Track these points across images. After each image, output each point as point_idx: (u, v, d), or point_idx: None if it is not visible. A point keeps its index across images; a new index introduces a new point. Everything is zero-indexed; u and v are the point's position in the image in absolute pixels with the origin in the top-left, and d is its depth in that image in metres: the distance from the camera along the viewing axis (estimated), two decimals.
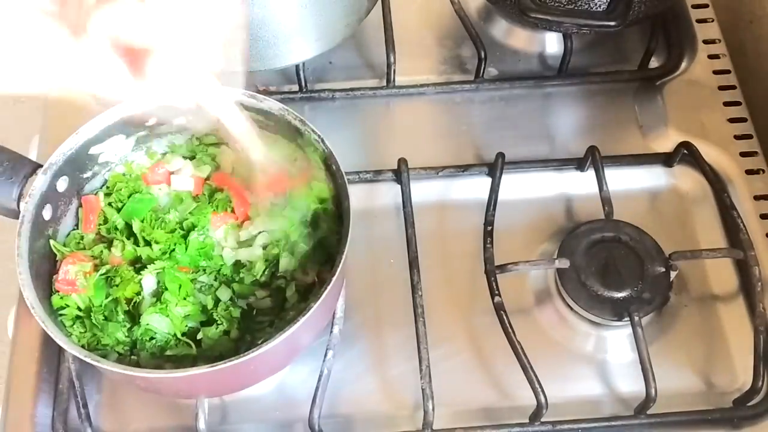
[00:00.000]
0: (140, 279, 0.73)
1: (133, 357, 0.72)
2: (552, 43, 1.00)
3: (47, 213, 0.74)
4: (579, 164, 0.90)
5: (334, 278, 0.68)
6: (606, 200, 0.84)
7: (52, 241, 0.75)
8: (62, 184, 0.75)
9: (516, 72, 0.98)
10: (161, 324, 0.71)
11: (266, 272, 0.74)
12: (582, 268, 0.80)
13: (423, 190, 0.88)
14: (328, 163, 0.74)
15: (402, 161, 0.89)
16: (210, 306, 0.73)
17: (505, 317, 0.78)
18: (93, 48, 0.54)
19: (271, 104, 0.76)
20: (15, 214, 0.73)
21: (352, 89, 0.96)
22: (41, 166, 0.74)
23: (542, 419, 0.76)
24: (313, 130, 0.75)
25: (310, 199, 0.76)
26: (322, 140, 0.74)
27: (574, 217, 0.89)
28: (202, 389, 0.73)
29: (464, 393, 0.79)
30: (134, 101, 0.76)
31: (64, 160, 0.74)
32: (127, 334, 0.72)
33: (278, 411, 0.79)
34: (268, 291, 0.75)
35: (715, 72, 0.97)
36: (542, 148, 0.93)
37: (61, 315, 0.73)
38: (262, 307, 0.74)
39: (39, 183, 0.73)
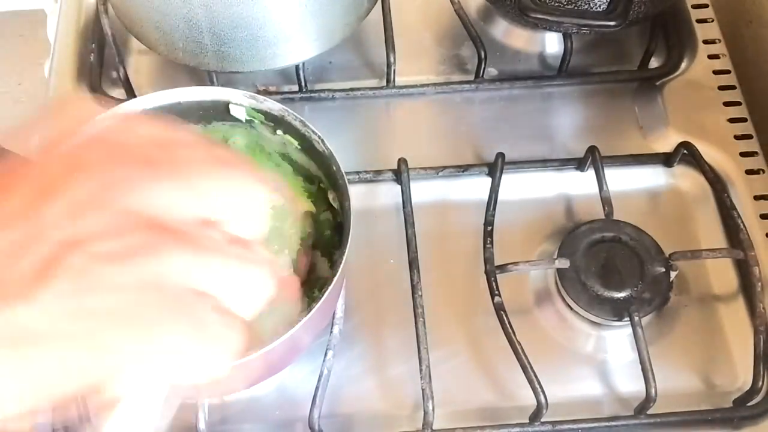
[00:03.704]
0: None
1: None
2: (552, 43, 1.00)
3: None
4: (579, 164, 0.90)
5: (335, 279, 0.67)
6: (606, 200, 0.84)
7: None
8: None
9: (516, 72, 0.98)
10: None
11: None
12: (582, 268, 0.80)
13: (423, 190, 0.88)
14: (328, 164, 0.74)
15: (402, 161, 0.89)
16: None
17: (505, 317, 0.78)
18: None
19: (271, 105, 0.76)
20: None
21: (352, 89, 0.96)
22: None
23: (542, 419, 0.76)
24: (313, 131, 0.75)
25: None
26: (322, 141, 0.74)
27: (574, 217, 0.89)
28: (200, 390, 0.73)
29: (464, 393, 0.79)
30: (134, 102, 0.77)
31: None
32: None
33: (278, 411, 0.79)
34: None
35: (715, 72, 0.97)
36: (542, 148, 0.93)
37: None
38: None
39: None
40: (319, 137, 0.74)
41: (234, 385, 0.75)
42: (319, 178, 0.79)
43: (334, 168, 0.73)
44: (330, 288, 0.67)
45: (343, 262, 0.68)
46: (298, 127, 0.75)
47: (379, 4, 0.95)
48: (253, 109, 0.77)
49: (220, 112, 0.79)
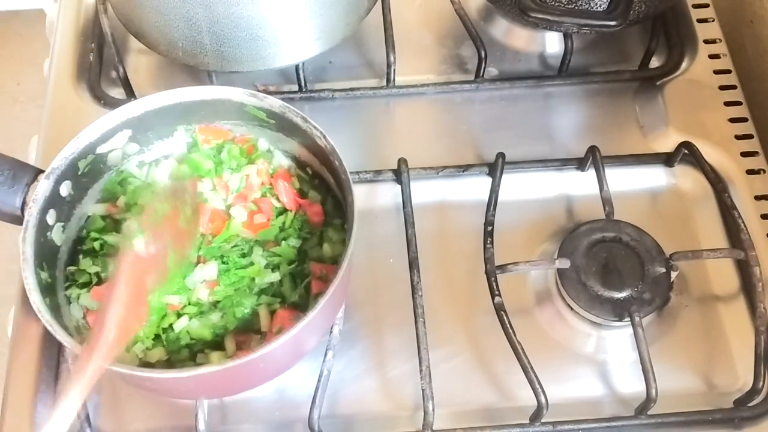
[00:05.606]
0: None
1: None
2: (552, 43, 1.00)
3: (51, 218, 0.74)
4: (579, 164, 0.90)
5: (338, 279, 0.67)
6: (606, 200, 0.84)
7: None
8: (65, 189, 0.75)
9: (516, 72, 0.98)
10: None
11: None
12: (582, 269, 0.80)
13: (423, 190, 0.88)
14: (330, 159, 0.74)
15: (402, 161, 0.88)
16: None
17: (505, 317, 0.77)
18: None
19: (272, 102, 0.76)
20: (20, 221, 0.72)
21: (352, 89, 0.96)
22: (43, 171, 0.73)
23: (543, 420, 0.76)
24: (314, 127, 0.75)
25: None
26: (324, 136, 0.74)
27: (575, 217, 0.89)
28: (202, 391, 0.73)
29: (464, 393, 0.79)
30: (137, 103, 0.77)
31: (66, 165, 0.74)
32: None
33: (278, 411, 0.79)
34: None
35: (716, 72, 0.97)
36: (542, 148, 0.92)
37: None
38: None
39: (42, 189, 0.72)
40: (321, 133, 0.74)
41: (236, 387, 0.75)
42: (321, 175, 0.79)
43: (337, 163, 0.73)
44: (333, 288, 0.67)
45: (347, 258, 0.68)
46: (299, 123, 0.75)
47: (379, 3, 0.94)
48: (254, 107, 0.77)
49: (220, 111, 0.79)
